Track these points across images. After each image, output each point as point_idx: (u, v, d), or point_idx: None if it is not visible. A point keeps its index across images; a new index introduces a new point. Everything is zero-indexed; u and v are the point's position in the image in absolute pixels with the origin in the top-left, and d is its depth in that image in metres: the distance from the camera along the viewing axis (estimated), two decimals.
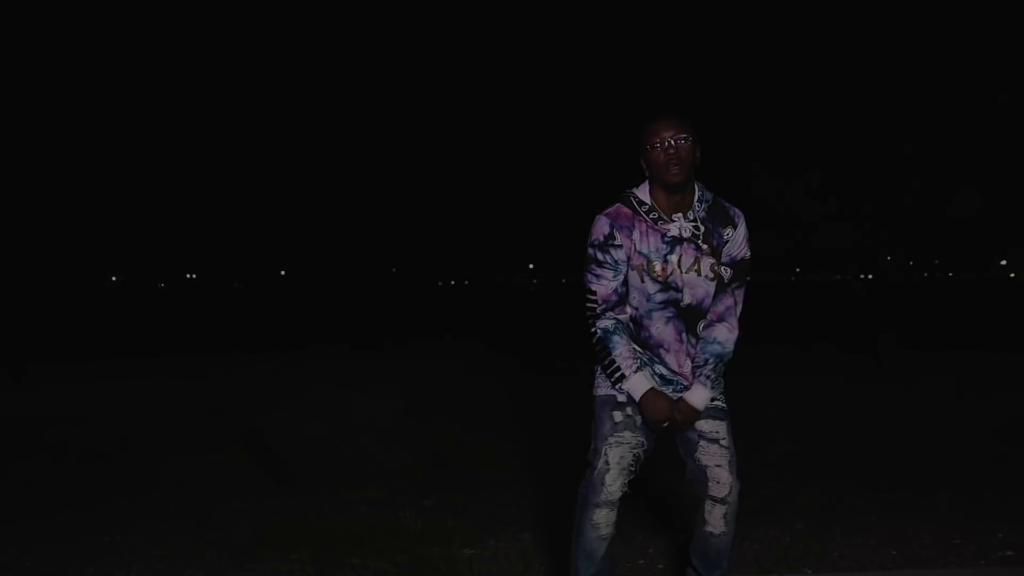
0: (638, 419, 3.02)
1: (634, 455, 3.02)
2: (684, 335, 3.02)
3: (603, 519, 3.01)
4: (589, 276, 3.01)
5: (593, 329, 3.01)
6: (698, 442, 3.04)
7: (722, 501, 3.01)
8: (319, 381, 6.51)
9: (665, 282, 2.97)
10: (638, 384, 2.96)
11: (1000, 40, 10.90)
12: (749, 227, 3.11)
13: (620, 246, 2.98)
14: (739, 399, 8.61)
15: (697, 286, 3.00)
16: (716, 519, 3.02)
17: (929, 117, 10.83)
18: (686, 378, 3.03)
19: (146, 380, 10.82)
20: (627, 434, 3.01)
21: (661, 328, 3.01)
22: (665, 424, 2.99)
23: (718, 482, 3.01)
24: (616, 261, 2.98)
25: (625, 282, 3.00)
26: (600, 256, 2.99)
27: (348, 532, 4.45)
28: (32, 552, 4.23)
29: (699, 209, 3.03)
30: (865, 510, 4.79)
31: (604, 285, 2.99)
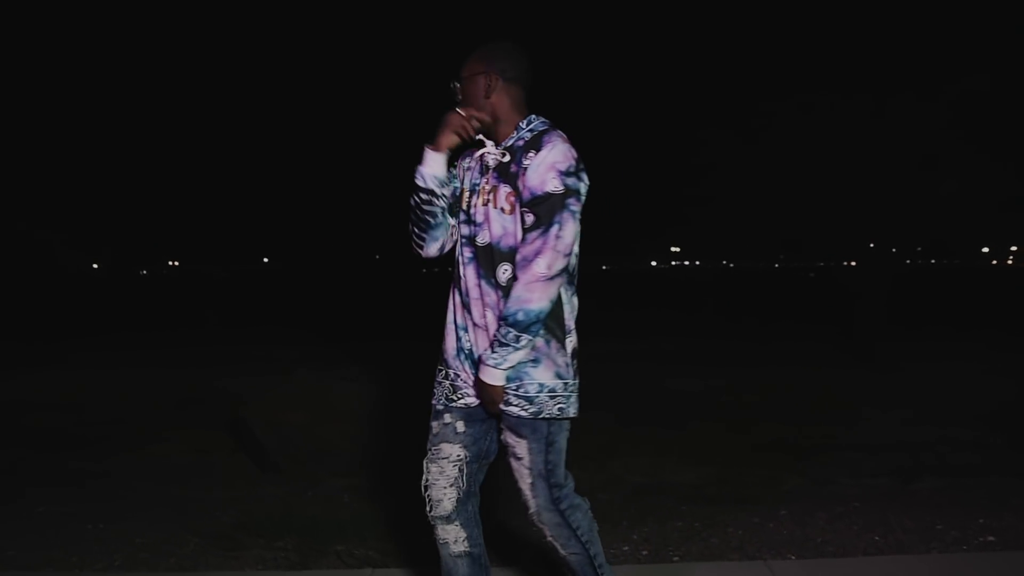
0: (458, 425, 2.77)
1: (457, 468, 2.79)
2: (482, 281, 2.62)
3: (448, 535, 2.82)
4: (570, 217, 2.52)
5: (552, 300, 2.53)
6: (507, 455, 2.72)
7: (534, 521, 2.72)
8: (302, 368, 6.50)
9: (468, 214, 2.66)
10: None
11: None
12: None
13: (457, 175, 2.80)
14: (724, 386, 8.68)
15: (494, 221, 2.58)
16: (546, 536, 2.74)
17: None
18: (487, 332, 2.64)
19: (128, 368, 10.78)
20: (444, 447, 2.80)
21: (463, 271, 2.68)
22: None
23: (526, 506, 2.71)
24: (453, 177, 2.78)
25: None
26: (581, 187, 2.57)
27: (333, 520, 4.45)
28: (15, 541, 4.21)
29: (516, 137, 2.65)
30: (848, 496, 4.81)
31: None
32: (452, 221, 2.77)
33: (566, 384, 2.62)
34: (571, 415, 2.66)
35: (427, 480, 2.84)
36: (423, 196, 2.69)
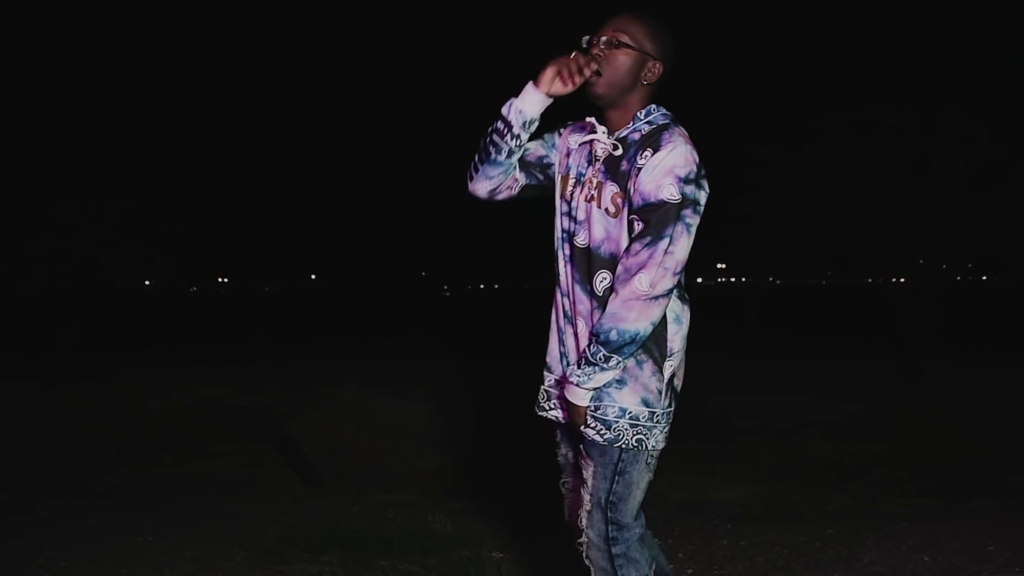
0: (566, 452, 2.67)
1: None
2: (576, 287, 2.39)
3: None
4: (684, 230, 2.23)
5: (653, 322, 2.25)
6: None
7: (583, 558, 2.53)
8: (349, 384, 6.56)
9: (569, 207, 2.41)
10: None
11: None
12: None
13: (560, 135, 2.54)
14: (770, 403, 8.58)
15: (596, 222, 2.33)
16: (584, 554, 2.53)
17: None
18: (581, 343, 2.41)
19: (177, 382, 10.91)
20: (565, 478, 2.66)
21: (563, 269, 2.44)
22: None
23: (580, 535, 2.52)
24: (549, 137, 2.54)
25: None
26: (701, 196, 2.27)
27: (377, 535, 4.47)
28: (67, 552, 4.28)
29: (632, 128, 2.34)
30: (897, 516, 4.75)
31: (533, 145, 2.52)
32: (518, 175, 2.51)
33: (652, 413, 2.34)
34: (650, 448, 2.37)
35: (567, 513, 2.62)
36: (499, 125, 2.36)
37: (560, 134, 2.52)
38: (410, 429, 6.07)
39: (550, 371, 2.54)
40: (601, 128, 2.38)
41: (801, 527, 4.53)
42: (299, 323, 27.11)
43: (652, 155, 2.23)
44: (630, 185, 2.26)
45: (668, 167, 2.20)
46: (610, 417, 2.32)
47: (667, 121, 2.33)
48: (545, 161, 2.52)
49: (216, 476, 6.01)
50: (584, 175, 2.38)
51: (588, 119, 2.44)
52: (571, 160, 2.45)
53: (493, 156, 2.40)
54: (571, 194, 2.41)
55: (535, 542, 4.40)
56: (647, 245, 2.20)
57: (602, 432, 2.33)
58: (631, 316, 2.20)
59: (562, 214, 2.44)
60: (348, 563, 4.09)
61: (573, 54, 2.29)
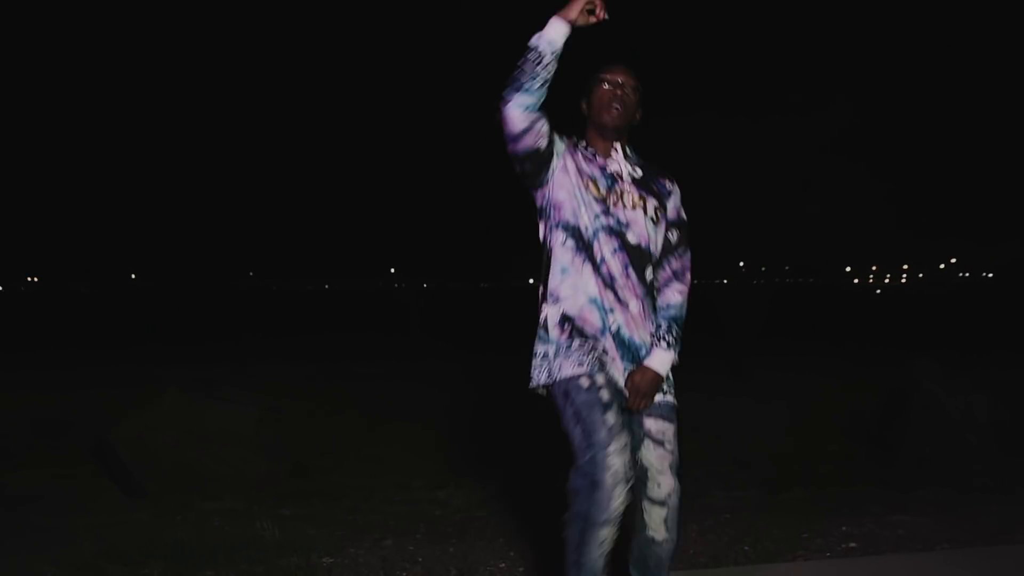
0: (623, 416, 2.75)
1: (632, 459, 2.73)
2: (632, 274, 2.83)
3: (608, 535, 2.66)
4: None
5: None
6: (643, 440, 2.86)
7: (661, 503, 2.86)
8: (172, 388, 6.28)
9: (605, 204, 2.82)
10: None
11: None
12: None
13: (568, 151, 2.86)
14: None
15: (639, 225, 2.85)
16: (656, 523, 2.86)
17: None
18: (634, 320, 2.85)
19: None
20: (624, 436, 2.68)
21: (610, 257, 2.80)
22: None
23: (659, 485, 2.86)
24: (559, 142, 2.84)
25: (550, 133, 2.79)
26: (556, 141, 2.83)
27: (202, 544, 4.31)
28: None
29: (633, 158, 2.97)
30: (720, 508, 4.93)
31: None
32: (546, 132, 2.76)
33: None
34: None
35: (612, 478, 2.61)
36: (531, 56, 2.66)
37: (563, 141, 2.87)
38: (237, 434, 5.87)
39: (595, 339, 2.81)
40: (617, 153, 2.93)
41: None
42: (118, 325, 25.94)
43: (674, 185, 3.02)
44: (669, 204, 2.98)
45: (680, 196, 3.01)
46: (671, 381, 2.99)
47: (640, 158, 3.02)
48: (551, 145, 2.80)
49: (27, 489, 5.65)
50: (614, 186, 2.86)
51: (581, 141, 2.93)
52: (587, 170, 2.85)
53: (527, 84, 2.66)
54: (604, 196, 2.83)
55: (366, 546, 4.34)
56: (685, 252, 2.99)
57: (672, 393, 2.98)
58: (686, 305, 2.96)
59: (600, 212, 2.82)
60: (170, 575, 3.93)
61: None
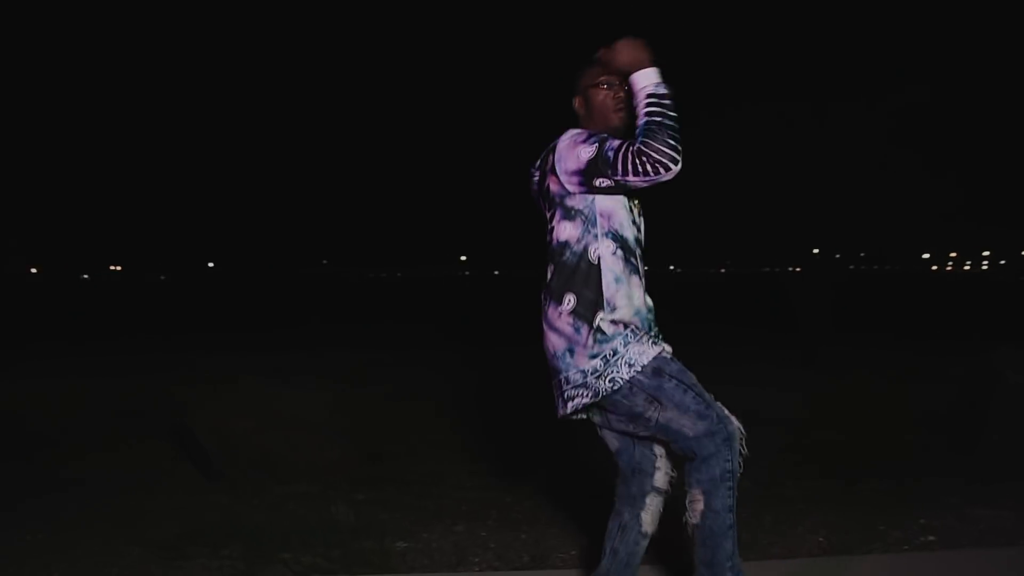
0: None
1: None
2: (641, 278, 2.87)
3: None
4: (610, 143, 2.67)
5: (637, 141, 2.62)
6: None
7: (664, 492, 2.94)
8: (249, 376, 6.42)
9: (635, 214, 2.88)
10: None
11: None
12: None
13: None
14: None
15: (640, 227, 2.93)
16: (652, 516, 2.93)
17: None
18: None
19: (70, 377, 10.54)
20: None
21: (640, 266, 2.88)
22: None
23: (665, 473, 2.94)
24: None
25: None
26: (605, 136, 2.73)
27: (279, 528, 4.40)
28: None
29: None
30: (794, 498, 4.87)
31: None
32: None
33: None
34: None
35: (729, 418, 2.82)
36: (671, 102, 2.67)
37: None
38: (311, 421, 5.98)
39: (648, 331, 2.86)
40: None
41: None
42: (196, 313, 26.50)
43: None
44: None
45: None
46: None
47: None
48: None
49: (111, 471, 5.81)
50: (634, 193, 2.84)
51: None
52: None
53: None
54: (631, 206, 2.85)
55: (438, 531, 4.38)
56: None
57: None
58: None
59: (633, 222, 2.85)
60: (249, 557, 4.01)
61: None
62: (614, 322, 2.74)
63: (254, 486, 5.30)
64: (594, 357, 2.74)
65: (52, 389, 9.36)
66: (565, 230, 2.80)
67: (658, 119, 2.60)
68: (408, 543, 4.19)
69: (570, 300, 2.77)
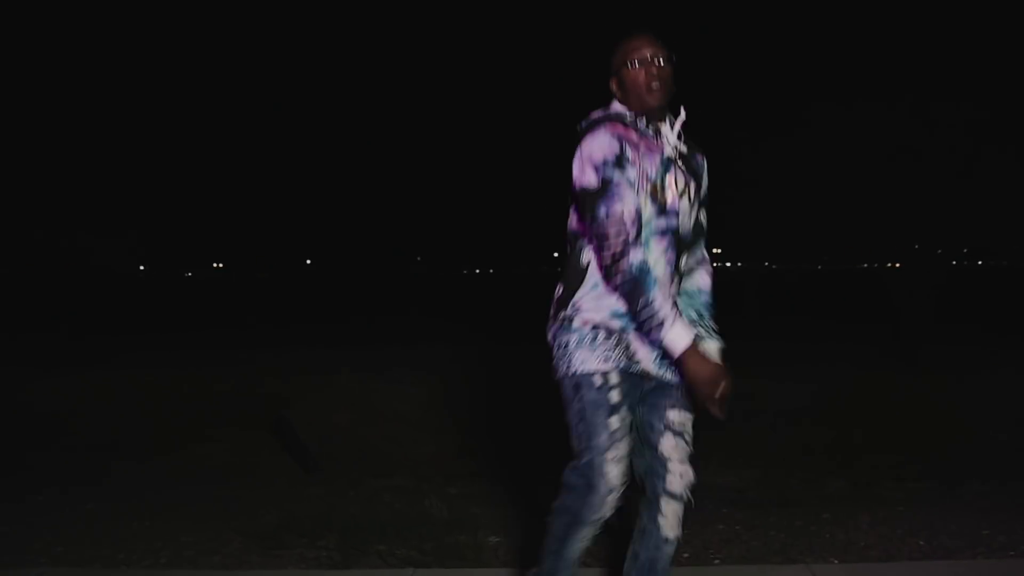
0: (629, 420, 2.64)
1: (628, 464, 2.66)
2: (673, 270, 2.66)
3: (592, 532, 2.67)
4: (608, 201, 2.51)
5: (621, 266, 2.49)
6: (663, 432, 2.70)
7: (680, 497, 2.70)
8: (345, 370, 6.55)
9: (661, 203, 2.61)
10: (682, 334, 2.45)
11: None
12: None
13: (632, 163, 2.56)
14: (767, 387, 8.57)
15: (685, 214, 2.67)
16: (671, 520, 2.71)
17: None
18: None
19: (172, 368, 10.87)
20: (625, 442, 2.62)
21: (657, 259, 2.61)
22: (717, 395, 2.48)
23: (680, 476, 2.70)
24: (632, 180, 2.55)
25: None
26: (617, 175, 2.52)
27: (374, 520, 4.47)
28: (63, 538, 4.28)
29: (678, 130, 2.73)
30: (892, 499, 4.76)
31: (629, 202, 2.51)
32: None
33: None
34: None
35: (607, 485, 2.59)
36: (647, 319, 2.53)
37: (628, 163, 2.58)
38: (406, 415, 6.07)
39: (624, 333, 2.64)
40: (666, 131, 2.69)
41: (797, 511, 4.53)
42: (294, 308, 27.07)
43: (704, 158, 2.82)
44: (703, 182, 2.81)
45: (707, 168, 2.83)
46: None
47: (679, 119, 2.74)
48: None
49: (212, 462, 6.00)
50: (667, 175, 2.63)
51: (638, 119, 2.66)
52: (647, 166, 2.61)
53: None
54: (665, 192, 2.62)
55: (533, 527, 4.40)
56: (706, 233, 2.85)
57: None
58: None
59: (655, 213, 2.60)
60: (345, 548, 4.09)
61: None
62: (584, 320, 2.64)
63: (350, 479, 5.41)
64: (553, 341, 2.72)
65: (155, 381, 9.68)
66: (574, 222, 2.71)
67: (633, 308, 2.52)
68: (500, 537, 4.22)
69: (559, 289, 2.73)
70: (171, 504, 4.90)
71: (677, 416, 2.70)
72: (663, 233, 2.61)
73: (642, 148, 2.61)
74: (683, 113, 2.73)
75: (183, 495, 5.13)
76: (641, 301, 2.47)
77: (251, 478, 5.55)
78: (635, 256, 2.48)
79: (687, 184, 2.67)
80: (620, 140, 2.56)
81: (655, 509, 2.72)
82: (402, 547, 4.09)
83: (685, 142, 2.74)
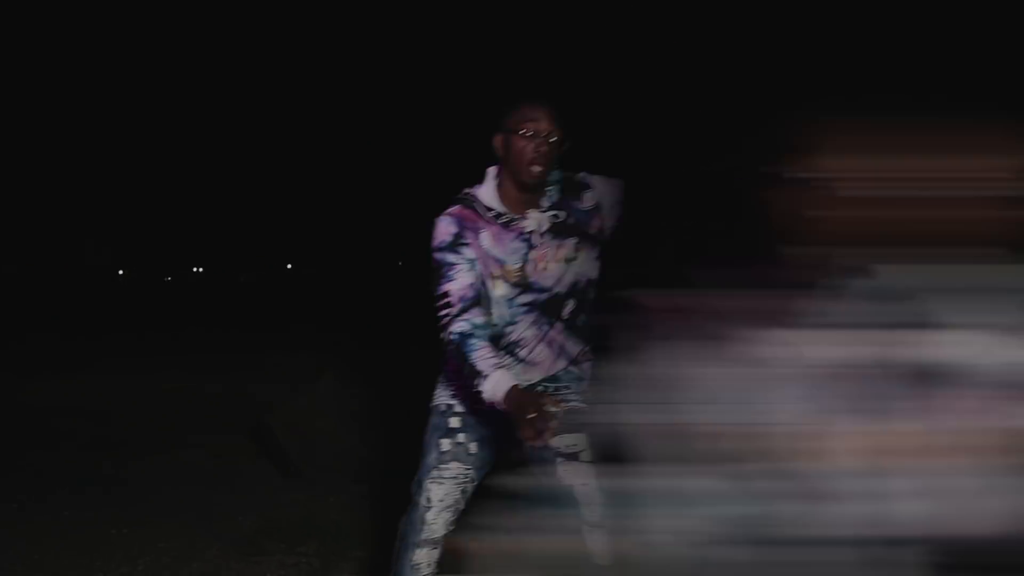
0: (470, 447, 2.71)
1: (461, 490, 2.72)
2: (547, 328, 2.67)
3: (423, 558, 2.75)
4: (440, 281, 2.59)
5: (447, 335, 2.56)
6: (555, 461, 2.61)
7: (600, 525, 2.53)
8: (328, 374, 6.50)
9: (527, 283, 2.63)
10: (499, 382, 2.41)
11: None
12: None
13: (469, 244, 2.59)
14: None
15: (556, 277, 2.65)
16: (600, 550, 2.52)
17: None
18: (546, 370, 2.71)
19: (152, 373, 10.81)
20: (454, 466, 2.70)
21: (525, 330, 2.66)
22: (537, 422, 2.28)
23: (589, 503, 2.56)
24: (469, 259, 2.59)
25: (482, 283, 2.61)
26: (451, 258, 2.58)
27: (354, 526, 4.45)
28: (40, 546, 4.24)
29: (552, 194, 2.68)
30: None
31: (459, 281, 2.56)
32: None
33: None
34: None
35: (427, 502, 2.73)
36: (471, 378, 2.55)
37: (464, 245, 2.61)
38: (388, 420, 6.02)
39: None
40: (531, 214, 2.64)
41: None
42: (275, 312, 26.94)
43: (593, 191, 2.71)
44: (591, 226, 2.70)
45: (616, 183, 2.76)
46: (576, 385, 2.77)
47: (559, 173, 2.68)
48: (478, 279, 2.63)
49: (191, 467, 5.95)
50: (529, 253, 2.63)
51: (464, 207, 2.65)
52: (500, 252, 2.63)
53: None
54: (525, 269, 2.63)
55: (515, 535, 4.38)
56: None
57: (581, 397, 2.74)
58: None
59: (513, 296, 2.63)
60: (324, 554, 4.07)
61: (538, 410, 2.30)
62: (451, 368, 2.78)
63: (331, 484, 5.37)
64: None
65: (135, 385, 9.63)
66: None
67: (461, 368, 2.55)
68: (482, 545, 4.20)
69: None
70: (149, 510, 4.87)
71: (561, 440, 2.55)
72: (530, 307, 2.65)
73: (489, 232, 2.63)
74: (554, 174, 2.66)
75: (162, 501, 5.09)
76: (465, 363, 2.49)
77: (230, 484, 5.51)
78: (456, 327, 2.53)
79: (561, 247, 2.65)
80: (459, 224, 2.61)
81: (587, 546, 2.60)
82: (382, 554, 4.06)
83: (564, 199, 2.68)
